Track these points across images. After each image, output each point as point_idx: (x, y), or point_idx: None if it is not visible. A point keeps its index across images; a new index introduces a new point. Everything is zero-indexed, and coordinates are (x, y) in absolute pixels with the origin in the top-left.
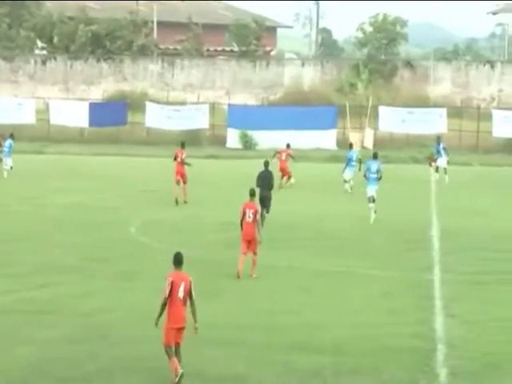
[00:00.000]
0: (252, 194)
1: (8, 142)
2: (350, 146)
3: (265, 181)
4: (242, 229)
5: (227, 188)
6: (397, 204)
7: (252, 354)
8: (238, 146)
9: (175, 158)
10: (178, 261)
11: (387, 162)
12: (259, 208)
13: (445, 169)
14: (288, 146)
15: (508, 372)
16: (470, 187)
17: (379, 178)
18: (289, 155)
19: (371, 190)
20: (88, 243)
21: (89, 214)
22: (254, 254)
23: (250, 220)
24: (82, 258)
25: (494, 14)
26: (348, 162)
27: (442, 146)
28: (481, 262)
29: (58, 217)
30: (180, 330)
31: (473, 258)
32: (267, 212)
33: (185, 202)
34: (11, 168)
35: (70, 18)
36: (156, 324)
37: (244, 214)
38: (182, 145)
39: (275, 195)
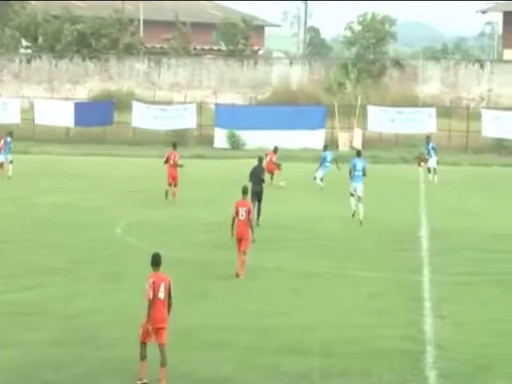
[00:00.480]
0: (244, 192)
1: (7, 140)
2: (325, 147)
3: (257, 176)
4: (232, 227)
5: (214, 188)
6: (386, 204)
7: (240, 356)
8: (226, 146)
9: (167, 160)
10: (156, 262)
11: (376, 163)
12: (252, 206)
13: (434, 169)
14: (275, 149)
15: (498, 374)
16: (460, 187)
17: (363, 175)
18: (271, 160)
19: (357, 188)
20: (74, 244)
21: (75, 214)
22: (244, 253)
23: (243, 218)
24: (68, 260)
25: (483, 12)
26: (322, 162)
27: (431, 145)
28: (471, 263)
29: (44, 217)
30: (160, 330)
31: (462, 259)
32: (259, 207)
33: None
34: (12, 162)
35: (55, 17)
36: (147, 329)
37: (237, 212)
38: (174, 146)
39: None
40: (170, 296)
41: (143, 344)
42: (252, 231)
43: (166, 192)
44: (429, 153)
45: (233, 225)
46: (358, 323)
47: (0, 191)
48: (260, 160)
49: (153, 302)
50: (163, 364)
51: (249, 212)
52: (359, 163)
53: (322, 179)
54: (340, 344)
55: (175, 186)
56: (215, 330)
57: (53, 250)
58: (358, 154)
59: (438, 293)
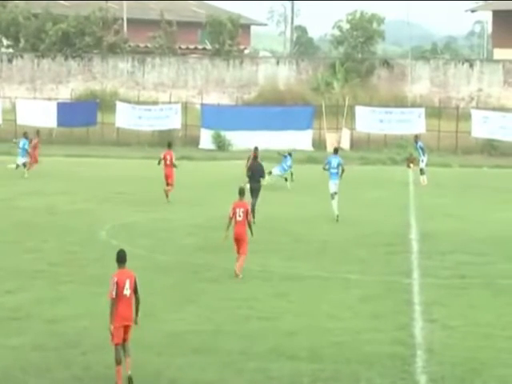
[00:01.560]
0: (241, 192)
1: (22, 141)
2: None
3: (255, 172)
4: (227, 228)
5: (201, 190)
6: (375, 206)
7: (228, 361)
8: (212, 146)
9: (161, 161)
10: (121, 258)
11: (365, 164)
12: (249, 207)
13: (421, 169)
14: (255, 149)
15: (489, 378)
16: (450, 189)
17: (342, 172)
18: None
19: (333, 186)
20: (57, 247)
21: (58, 216)
22: (242, 253)
23: (240, 219)
24: (51, 263)
25: (473, 11)
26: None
27: (419, 144)
28: (461, 266)
29: (27, 220)
30: (127, 327)
31: (453, 262)
32: (255, 201)
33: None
34: (17, 166)
35: (35, 16)
36: (109, 329)
37: (234, 213)
38: (169, 145)
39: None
40: (136, 291)
41: (117, 347)
42: (251, 232)
43: (166, 192)
44: (417, 153)
45: (228, 226)
46: (348, 327)
47: None
48: (255, 157)
49: (118, 300)
50: (128, 354)
51: (247, 213)
52: (334, 160)
53: (273, 177)
54: (329, 348)
55: (171, 185)
56: (202, 335)
57: (35, 254)
58: (335, 151)
59: (429, 296)
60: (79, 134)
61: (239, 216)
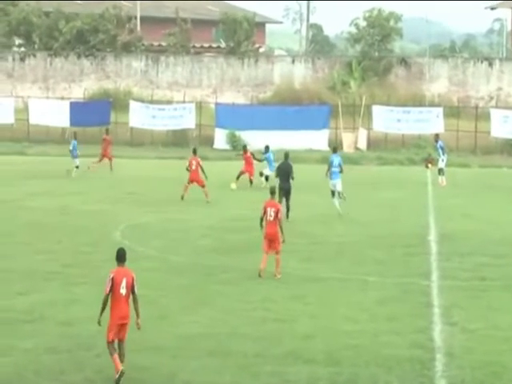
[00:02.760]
0: (272, 192)
1: (72, 142)
2: (267, 148)
3: (284, 172)
4: (261, 227)
5: (214, 191)
6: (392, 207)
7: (243, 364)
8: (226, 146)
9: (189, 166)
10: (120, 257)
11: (382, 164)
12: (281, 207)
13: (440, 169)
14: (244, 147)
15: (510, 382)
16: (469, 189)
17: (340, 171)
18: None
19: (335, 184)
20: (70, 248)
21: (71, 217)
22: (277, 253)
23: (272, 219)
24: (64, 264)
25: (492, 8)
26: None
27: (439, 144)
28: (481, 268)
29: (40, 221)
30: (123, 325)
31: (472, 264)
32: (288, 203)
33: (207, 202)
34: (77, 167)
35: (46, 14)
36: (98, 322)
37: (265, 212)
38: (194, 152)
39: (259, 196)
40: (133, 291)
41: (110, 343)
42: (281, 231)
43: (205, 194)
44: (437, 152)
45: (261, 225)
46: (365, 330)
47: None
48: (286, 156)
49: (114, 298)
50: (121, 360)
51: (277, 212)
52: (335, 160)
53: (268, 177)
54: (347, 351)
55: (203, 186)
56: (217, 337)
57: (48, 255)
58: (335, 150)
59: (448, 298)
60: (92, 133)
61: (270, 216)
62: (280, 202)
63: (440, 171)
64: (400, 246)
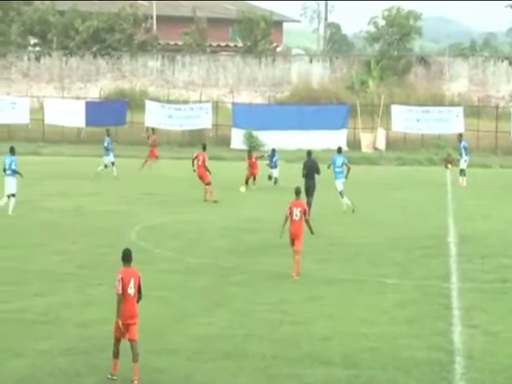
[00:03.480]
0: (297, 192)
1: (106, 139)
2: (273, 150)
3: (310, 170)
4: (283, 226)
5: (231, 191)
6: (411, 208)
7: (260, 366)
8: (243, 146)
9: (195, 160)
10: (126, 257)
11: (401, 164)
12: (307, 207)
13: (462, 170)
14: (249, 151)
15: None
16: (490, 190)
17: (348, 171)
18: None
19: (339, 184)
20: (85, 249)
21: (86, 218)
22: (297, 253)
23: (297, 218)
24: (80, 265)
25: None
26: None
27: (463, 144)
28: (502, 270)
29: (55, 222)
30: (131, 325)
31: (493, 266)
32: (309, 200)
33: (214, 202)
34: (113, 164)
35: (61, 13)
36: (119, 326)
37: (291, 212)
38: (204, 147)
39: (275, 197)
40: (139, 290)
41: (117, 341)
42: (311, 231)
43: (205, 192)
44: (459, 152)
45: (284, 225)
46: (383, 332)
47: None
48: (309, 153)
49: (122, 298)
50: (135, 359)
51: (304, 212)
52: (339, 160)
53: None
54: (364, 354)
55: (208, 184)
56: (233, 339)
57: (63, 256)
58: (339, 150)
59: (468, 301)
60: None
61: (296, 216)
62: (308, 200)
63: (461, 172)
64: (419, 248)
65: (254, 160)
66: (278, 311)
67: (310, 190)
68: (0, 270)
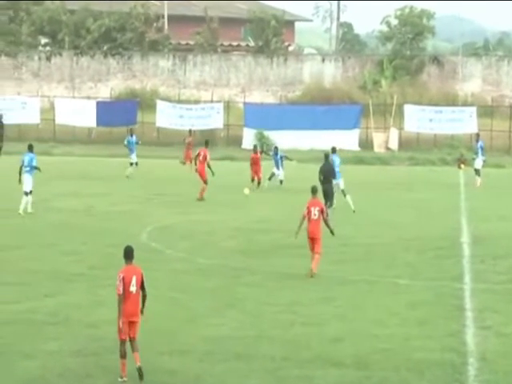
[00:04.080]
0: (314, 191)
1: (132, 138)
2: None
3: (327, 174)
4: (299, 226)
5: (242, 192)
6: (424, 208)
7: (270, 368)
8: None
9: (197, 156)
10: (127, 255)
11: (414, 165)
12: (324, 206)
13: (477, 170)
14: (255, 147)
15: None
16: (503, 190)
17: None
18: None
19: (341, 183)
20: (96, 249)
21: (97, 218)
22: (317, 252)
23: (316, 218)
24: (90, 266)
25: None
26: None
27: (479, 144)
28: None
29: (65, 222)
30: (133, 323)
31: (506, 266)
32: (330, 205)
33: (199, 200)
34: (132, 164)
35: (71, 12)
36: (121, 328)
37: (309, 212)
38: (206, 143)
39: (285, 198)
40: (143, 288)
41: (122, 342)
42: (330, 230)
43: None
44: (476, 152)
45: (300, 225)
46: (396, 333)
47: (19, 195)
48: (327, 156)
49: (124, 296)
50: (136, 350)
51: (322, 211)
52: (336, 159)
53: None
54: (376, 355)
55: (204, 182)
56: (244, 340)
57: (74, 256)
58: (333, 150)
59: (481, 302)
60: (119, 133)
61: (314, 215)
62: (325, 203)
63: (477, 171)
64: (432, 249)
65: (258, 155)
66: (289, 312)
67: (326, 193)
68: (10, 271)
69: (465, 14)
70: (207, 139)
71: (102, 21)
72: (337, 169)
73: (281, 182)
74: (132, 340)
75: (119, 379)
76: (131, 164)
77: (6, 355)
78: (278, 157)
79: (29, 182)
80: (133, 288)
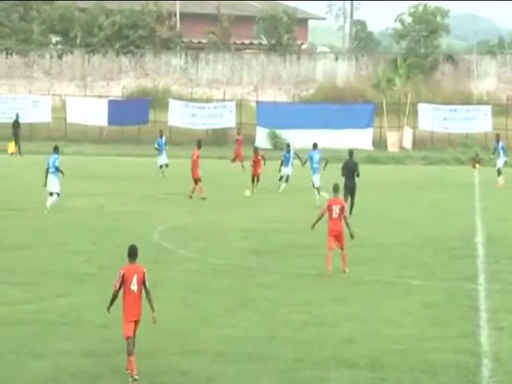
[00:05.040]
0: (335, 189)
1: (162, 140)
2: (288, 145)
3: (350, 170)
4: (316, 222)
5: (255, 191)
6: (438, 208)
7: (283, 368)
8: (267, 146)
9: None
10: (131, 253)
11: (428, 164)
12: (345, 204)
13: (499, 170)
14: (255, 149)
15: None
16: None
17: (325, 164)
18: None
19: (316, 180)
20: (107, 249)
21: (108, 218)
22: (342, 248)
23: (336, 216)
24: (101, 266)
25: None
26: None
27: (501, 144)
28: None
29: (76, 221)
30: (136, 322)
31: None
32: (352, 200)
33: (189, 196)
34: (166, 166)
35: (82, 10)
36: (108, 310)
37: (330, 210)
38: (198, 144)
39: (297, 198)
40: (145, 286)
41: (128, 339)
42: (348, 227)
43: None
44: (497, 152)
45: (318, 220)
46: (409, 334)
47: (30, 194)
48: (351, 153)
49: (125, 295)
50: (130, 354)
51: (342, 209)
52: (316, 156)
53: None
54: (390, 356)
55: (195, 181)
56: (256, 341)
57: (85, 256)
58: (315, 146)
59: (495, 302)
60: (130, 132)
61: (335, 213)
62: (345, 200)
63: (499, 171)
64: (446, 249)
65: (259, 158)
66: (302, 313)
67: (349, 190)
68: (22, 271)
69: (479, 11)
70: (199, 139)
71: (114, 17)
72: (316, 165)
73: (287, 178)
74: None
75: (130, 379)
76: (161, 166)
77: (18, 355)
78: (290, 154)
79: (53, 183)
80: (134, 287)
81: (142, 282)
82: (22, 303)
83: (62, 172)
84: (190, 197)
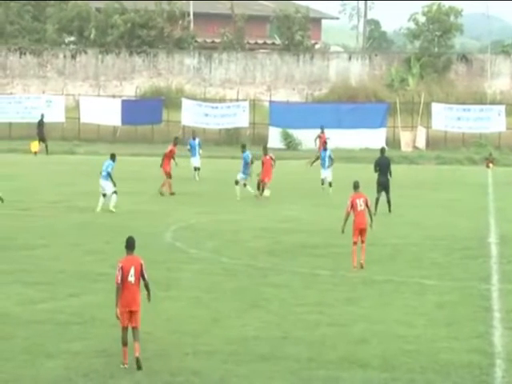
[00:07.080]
0: (356, 186)
1: (196, 142)
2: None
3: (383, 167)
4: (345, 222)
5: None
6: (451, 208)
7: (296, 368)
8: (280, 145)
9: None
10: (129, 245)
11: (442, 164)
12: (368, 198)
13: None
14: (264, 148)
15: None
16: None
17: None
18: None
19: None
20: (119, 249)
21: (121, 217)
22: (362, 242)
23: (362, 208)
24: (114, 265)
25: None
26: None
27: None
28: None
29: (87, 221)
30: (133, 313)
31: None
32: (388, 196)
33: (171, 194)
34: (198, 169)
35: (98, 10)
36: (117, 316)
37: (353, 205)
38: (175, 140)
39: (310, 197)
40: (144, 278)
41: (123, 329)
42: (372, 219)
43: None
44: None
45: (346, 219)
46: (422, 334)
47: (44, 194)
48: (383, 151)
49: (123, 286)
50: (136, 340)
51: (366, 202)
52: (247, 157)
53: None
54: (403, 356)
55: (166, 175)
56: (269, 341)
57: (97, 256)
58: (243, 147)
59: (509, 303)
60: (144, 132)
61: (360, 205)
62: (378, 196)
63: None
64: (459, 249)
65: (268, 158)
66: (315, 313)
67: (383, 186)
68: (36, 270)
69: (493, 11)
70: (176, 136)
71: (128, 15)
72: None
73: (330, 183)
74: (134, 329)
75: (121, 366)
76: (195, 169)
77: (31, 355)
78: (326, 154)
79: (104, 185)
80: (131, 278)
81: (140, 273)
82: (35, 303)
83: (112, 179)
84: (162, 194)
